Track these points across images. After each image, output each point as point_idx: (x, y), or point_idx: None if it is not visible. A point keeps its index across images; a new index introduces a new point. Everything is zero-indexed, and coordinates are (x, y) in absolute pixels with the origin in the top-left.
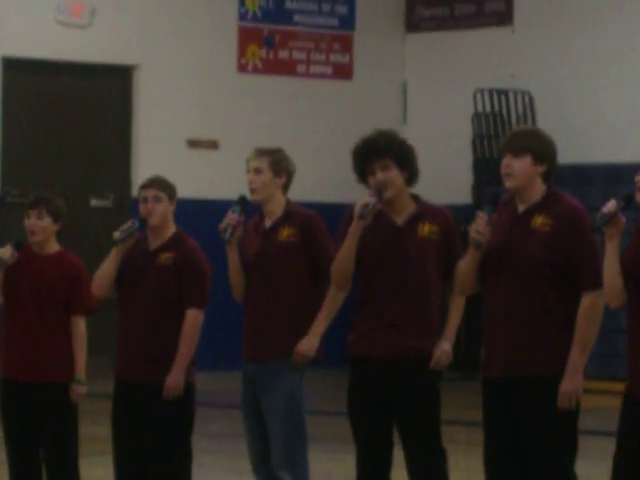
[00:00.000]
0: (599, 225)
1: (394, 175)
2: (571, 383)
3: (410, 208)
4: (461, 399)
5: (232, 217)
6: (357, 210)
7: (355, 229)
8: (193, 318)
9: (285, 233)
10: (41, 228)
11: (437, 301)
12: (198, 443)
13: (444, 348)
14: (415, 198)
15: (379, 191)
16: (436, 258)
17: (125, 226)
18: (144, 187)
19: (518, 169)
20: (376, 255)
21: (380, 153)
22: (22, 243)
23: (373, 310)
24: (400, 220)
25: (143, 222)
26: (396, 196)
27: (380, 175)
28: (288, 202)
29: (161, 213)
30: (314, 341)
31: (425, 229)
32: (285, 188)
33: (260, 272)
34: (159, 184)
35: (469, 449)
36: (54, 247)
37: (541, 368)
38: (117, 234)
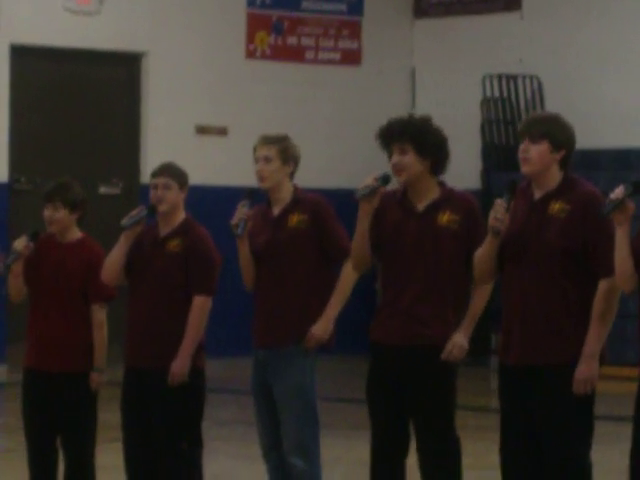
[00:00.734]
0: (607, 212)
1: (410, 160)
2: (586, 369)
3: (433, 195)
4: (470, 384)
5: (243, 211)
6: (358, 191)
7: (362, 211)
8: (200, 305)
9: (295, 219)
10: (57, 220)
11: (457, 290)
12: (209, 430)
13: (456, 341)
14: (441, 185)
15: (385, 175)
16: (455, 247)
17: (133, 212)
18: (154, 174)
19: (535, 154)
20: (394, 240)
21: (396, 136)
22: (38, 233)
23: (390, 296)
24: (421, 206)
25: (152, 209)
26: (414, 182)
27: (396, 158)
28: (296, 189)
29: (171, 201)
30: (328, 325)
31: (445, 217)
32: (292, 175)
33: (271, 259)
34: (170, 172)
35: (477, 434)
36: (75, 235)
37: (558, 355)
38: (125, 220)
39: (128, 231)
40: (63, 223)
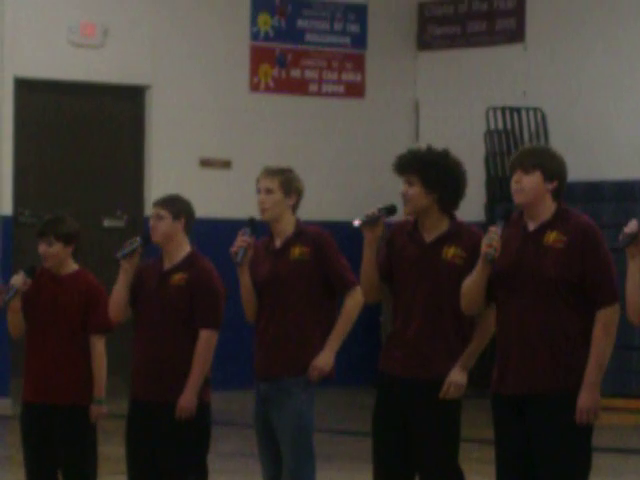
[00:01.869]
0: (623, 246)
1: (415, 192)
2: (589, 398)
3: (441, 228)
4: (474, 416)
5: (243, 239)
6: (356, 220)
7: (365, 240)
8: (206, 339)
9: (297, 252)
10: (52, 255)
11: (462, 325)
12: (213, 462)
13: (453, 379)
14: (451, 218)
15: (390, 206)
16: (458, 282)
17: (127, 243)
18: (152, 206)
19: (528, 185)
20: (402, 271)
21: (403, 168)
22: (35, 268)
23: (397, 327)
24: (429, 239)
25: (147, 240)
26: (421, 214)
27: (403, 188)
28: (298, 221)
29: (163, 231)
30: (330, 357)
31: (450, 252)
32: (294, 207)
33: (272, 291)
34: (163, 202)
35: (481, 467)
36: (71, 268)
37: (556, 384)
38: (119, 252)
39: (124, 263)
40: (58, 257)
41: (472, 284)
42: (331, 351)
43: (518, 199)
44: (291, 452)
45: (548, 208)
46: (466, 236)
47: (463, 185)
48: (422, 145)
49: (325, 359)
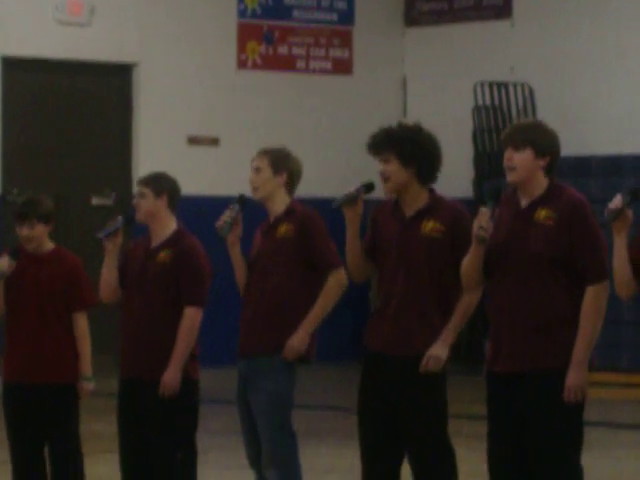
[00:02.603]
0: (608, 221)
1: (393, 168)
2: (577, 376)
3: (421, 203)
4: (464, 393)
5: (228, 215)
6: (336, 200)
7: (347, 218)
8: (191, 316)
9: (283, 230)
10: (36, 237)
11: (444, 299)
12: (201, 440)
13: (432, 352)
14: (430, 192)
15: (368, 183)
16: (438, 256)
17: (109, 223)
18: (136, 183)
19: (519, 162)
20: (383, 247)
21: (379, 145)
22: (18, 251)
23: (380, 304)
24: (409, 214)
25: (129, 219)
26: (401, 190)
27: (381, 167)
28: (292, 201)
29: (145, 209)
30: (304, 336)
31: (428, 226)
32: (290, 187)
33: (257, 269)
34: (145, 180)
35: (472, 443)
36: (49, 246)
37: (547, 362)
38: (101, 232)
39: (107, 243)
40: (41, 238)
41: (468, 264)
42: (305, 331)
43: (510, 177)
44: (266, 432)
45: (540, 184)
46: (445, 210)
47: (439, 157)
48: (408, 121)
49: (298, 339)
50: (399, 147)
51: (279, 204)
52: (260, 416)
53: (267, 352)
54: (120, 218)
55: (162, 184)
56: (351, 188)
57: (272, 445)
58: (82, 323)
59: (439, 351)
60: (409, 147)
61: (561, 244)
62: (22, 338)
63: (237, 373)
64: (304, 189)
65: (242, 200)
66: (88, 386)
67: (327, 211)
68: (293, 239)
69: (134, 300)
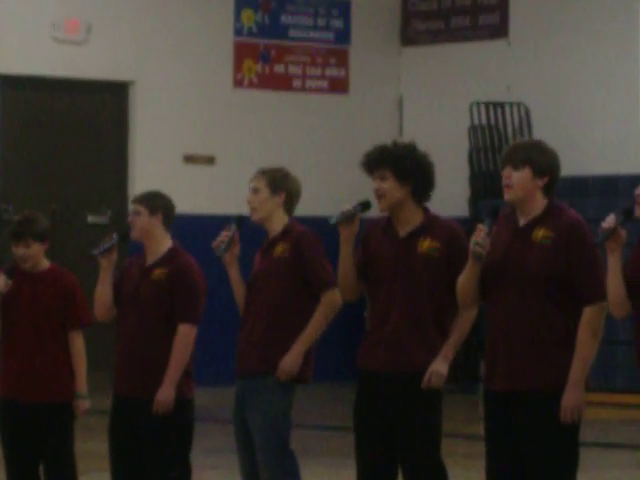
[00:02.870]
0: (601, 241)
1: (389, 186)
2: (573, 397)
3: (416, 221)
4: (460, 412)
5: (225, 234)
6: (331, 218)
7: (342, 237)
8: (185, 333)
9: (279, 249)
10: (32, 257)
11: (441, 317)
12: (196, 458)
13: (434, 369)
14: (425, 211)
15: (364, 202)
16: (435, 274)
17: (104, 240)
18: (131, 201)
19: (517, 181)
20: (376, 266)
21: (373, 164)
22: (14, 269)
23: (375, 323)
24: (403, 233)
25: (124, 236)
26: (396, 208)
27: (376, 184)
28: (290, 220)
29: (140, 226)
30: (296, 358)
31: (425, 244)
32: (288, 206)
33: (255, 288)
34: (140, 198)
35: (467, 462)
36: (45, 264)
37: (543, 381)
38: (95, 249)
39: (102, 261)
40: (37, 257)
41: (464, 281)
42: (297, 352)
43: (507, 196)
44: (264, 453)
45: (538, 204)
46: (440, 228)
47: (433, 175)
48: (403, 140)
49: (290, 360)
50: (396, 164)
51: (277, 224)
52: (257, 436)
53: (263, 372)
54: (115, 235)
55: (157, 202)
56: (347, 206)
57: (269, 465)
58: (78, 341)
59: (440, 367)
60: (406, 164)
61: (558, 264)
62: (18, 356)
63: (234, 392)
64: (300, 208)
65: (240, 220)
66: (84, 404)
67: (323, 230)
68: (289, 258)
69: (129, 318)
